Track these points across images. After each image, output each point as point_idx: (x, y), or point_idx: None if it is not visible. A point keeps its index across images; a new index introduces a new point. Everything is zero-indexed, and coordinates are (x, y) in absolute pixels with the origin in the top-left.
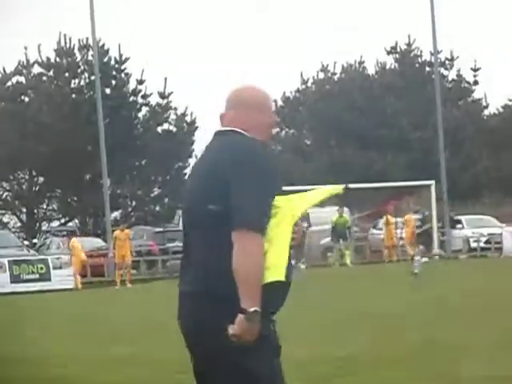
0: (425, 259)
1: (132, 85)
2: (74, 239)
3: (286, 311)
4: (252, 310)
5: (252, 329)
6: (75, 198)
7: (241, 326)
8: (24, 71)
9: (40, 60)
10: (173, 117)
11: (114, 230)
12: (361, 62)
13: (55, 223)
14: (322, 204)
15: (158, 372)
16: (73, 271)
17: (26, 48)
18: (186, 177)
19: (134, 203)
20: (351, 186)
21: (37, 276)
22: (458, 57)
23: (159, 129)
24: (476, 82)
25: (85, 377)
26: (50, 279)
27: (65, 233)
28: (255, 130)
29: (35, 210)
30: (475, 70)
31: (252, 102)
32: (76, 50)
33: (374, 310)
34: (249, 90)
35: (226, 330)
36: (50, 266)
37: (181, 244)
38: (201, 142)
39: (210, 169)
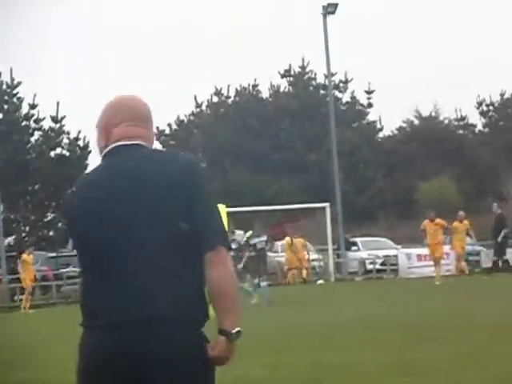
0: (320, 281)
1: (24, 109)
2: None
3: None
4: (236, 330)
5: (233, 349)
6: None
7: (224, 348)
8: None
9: None
10: (66, 141)
11: (20, 253)
12: (255, 85)
13: None
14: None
15: None
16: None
17: None
18: (87, 197)
19: (27, 228)
20: (246, 208)
21: None
22: (352, 79)
23: (52, 153)
24: (370, 105)
25: None
26: None
27: None
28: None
29: None
30: (369, 92)
31: (150, 116)
32: None
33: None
34: (142, 102)
35: (204, 355)
36: None
37: (75, 269)
38: (94, 166)
39: (163, 187)
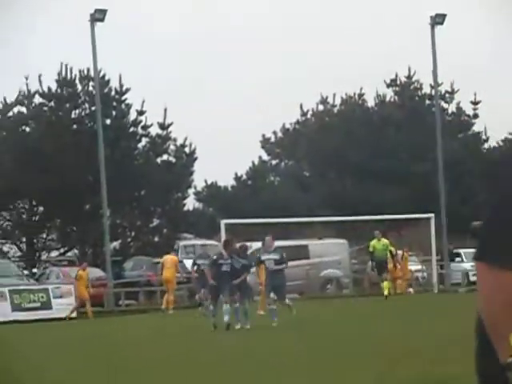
0: (411, 290)
1: (132, 115)
2: (80, 269)
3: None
4: None
5: None
6: (75, 228)
7: None
8: (25, 101)
9: (41, 90)
10: (172, 148)
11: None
12: (360, 94)
13: (54, 253)
14: (320, 236)
15: None
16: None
17: (26, 78)
18: None
19: (133, 233)
20: (348, 218)
21: (38, 305)
22: (458, 90)
23: (159, 160)
24: (476, 116)
25: None
26: (51, 308)
27: (65, 262)
28: None
29: (35, 240)
30: (475, 103)
31: None
32: (77, 81)
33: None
34: None
35: None
36: (51, 294)
37: (178, 275)
38: (200, 172)
39: None
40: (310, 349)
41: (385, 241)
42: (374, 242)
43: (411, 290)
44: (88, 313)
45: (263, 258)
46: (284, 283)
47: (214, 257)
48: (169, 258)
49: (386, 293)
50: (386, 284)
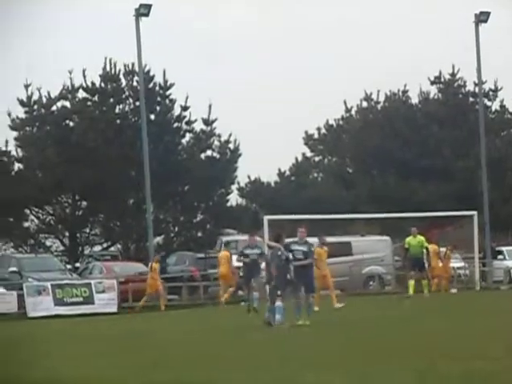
0: (454, 290)
1: (176, 111)
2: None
3: None
4: None
5: None
6: (118, 223)
7: None
8: (69, 96)
9: (85, 85)
10: (216, 143)
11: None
12: (404, 91)
13: (97, 248)
14: (363, 233)
15: None
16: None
17: (70, 72)
18: None
19: (176, 228)
20: (392, 215)
21: (80, 299)
22: (501, 88)
23: (202, 155)
24: None
25: None
26: (93, 302)
27: (108, 257)
28: None
29: (78, 234)
30: None
31: None
32: (121, 76)
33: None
34: None
35: None
36: (93, 289)
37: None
38: (243, 168)
39: None
40: (352, 346)
41: (420, 237)
42: (409, 239)
43: (454, 290)
44: (160, 305)
45: (292, 248)
46: (310, 277)
47: (273, 250)
48: (224, 254)
49: (425, 291)
50: (424, 282)
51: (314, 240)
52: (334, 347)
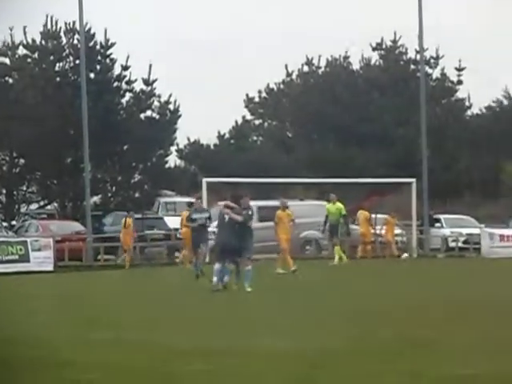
0: (405, 255)
1: (117, 70)
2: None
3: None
4: None
5: None
6: (55, 182)
7: None
8: (9, 52)
9: (25, 42)
10: (156, 104)
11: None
12: (346, 57)
13: (34, 206)
14: (301, 198)
15: (145, 354)
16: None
17: (11, 29)
18: None
19: (114, 188)
20: (331, 180)
21: (16, 257)
22: (443, 55)
23: (142, 115)
24: (460, 82)
25: (65, 358)
26: (28, 261)
27: (44, 216)
28: None
29: (14, 192)
30: (459, 69)
31: None
32: (62, 33)
33: (359, 307)
34: None
35: None
36: (29, 247)
37: (159, 231)
38: (183, 129)
39: None
40: (291, 310)
41: (339, 205)
42: (328, 206)
43: (406, 254)
44: (126, 262)
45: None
46: (247, 241)
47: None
48: (184, 215)
49: (336, 258)
50: (336, 249)
51: (256, 204)
52: (271, 311)
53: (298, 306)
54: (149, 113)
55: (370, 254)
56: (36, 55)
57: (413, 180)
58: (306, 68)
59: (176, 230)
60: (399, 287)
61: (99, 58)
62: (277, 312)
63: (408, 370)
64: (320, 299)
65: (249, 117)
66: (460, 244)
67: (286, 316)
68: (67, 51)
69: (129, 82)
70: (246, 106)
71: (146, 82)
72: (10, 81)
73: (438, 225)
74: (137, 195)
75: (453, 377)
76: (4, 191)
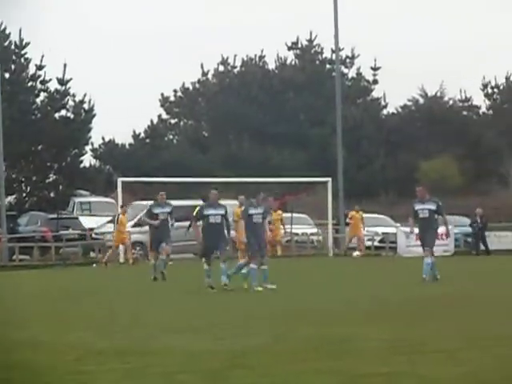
0: (357, 253)
1: (31, 70)
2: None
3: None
4: None
5: None
6: None
7: None
8: None
9: None
10: (71, 103)
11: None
12: (261, 56)
13: None
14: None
15: (61, 354)
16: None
17: None
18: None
19: (28, 188)
20: (248, 179)
21: None
22: (358, 55)
23: (57, 115)
24: (375, 81)
25: None
26: None
27: None
28: None
29: None
30: (375, 68)
31: None
32: None
33: (274, 307)
34: None
35: None
36: None
37: (74, 231)
38: (98, 129)
39: None
40: (213, 309)
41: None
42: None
43: (357, 253)
44: (128, 259)
45: (156, 210)
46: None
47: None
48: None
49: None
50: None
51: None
52: (207, 311)
53: (221, 306)
54: (63, 112)
55: (280, 253)
56: None
57: (328, 179)
58: (221, 67)
59: (91, 229)
60: (320, 287)
61: (14, 57)
62: (198, 311)
63: (327, 368)
64: (242, 299)
65: (164, 116)
66: (376, 243)
67: (208, 315)
68: None
69: (43, 82)
70: (162, 105)
71: (61, 82)
72: None
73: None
74: (52, 195)
75: (371, 374)
76: None
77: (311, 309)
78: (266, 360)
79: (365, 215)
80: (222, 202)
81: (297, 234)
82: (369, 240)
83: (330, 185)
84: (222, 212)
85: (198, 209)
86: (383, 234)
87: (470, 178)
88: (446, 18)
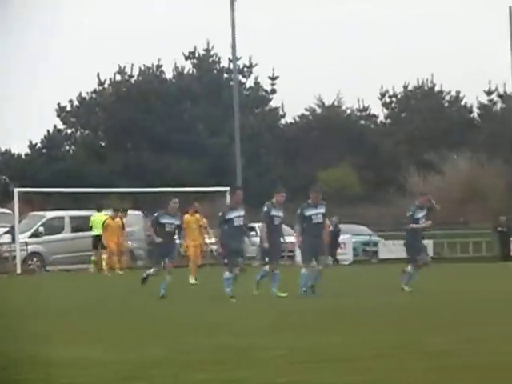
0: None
1: None
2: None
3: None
4: None
5: None
6: None
7: None
8: None
9: None
10: None
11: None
12: (159, 66)
13: None
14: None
15: None
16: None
17: None
18: None
19: None
20: (145, 190)
21: None
22: (256, 64)
23: None
24: (274, 91)
25: None
26: None
27: None
28: None
29: None
30: (273, 78)
31: None
32: None
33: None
34: None
35: None
36: None
37: None
38: None
39: None
40: (115, 320)
41: (102, 217)
42: (93, 217)
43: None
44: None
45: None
46: None
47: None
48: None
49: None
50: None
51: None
52: (109, 322)
53: (126, 317)
54: None
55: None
56: None
57: (227, 189)
58: (118, 77)
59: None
60: (219, 298)
61: None
62: (100, 322)
63: (230, 378)
64: (149, 310)
65: (61, 126)
66: None
67: (113, 325)
68: None
69: None
70: (58, 115)
71: None
72: None
73: (252, 233)
74: None
75: (276, 383)
76: None
77: (212, 321)
78: (167, 371)
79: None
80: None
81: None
82: None
83: (228, 194)
84: (178, 222)
85: (155, 215)
86: (283, 243)
87: (370, 187)
88: (343, 28)
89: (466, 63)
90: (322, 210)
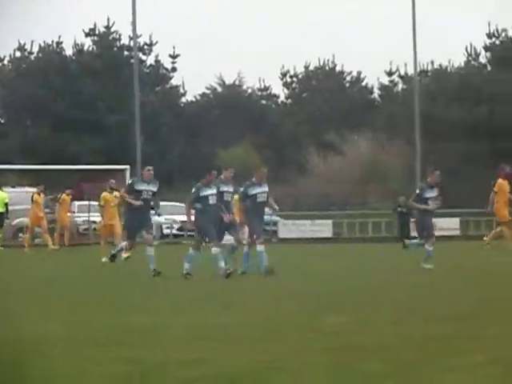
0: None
1: None
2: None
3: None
4: None
5: None
6: None
7: None
8: None
9: None
10: None
11: None
12: (59, 43)
13: None
14: (13, 185)
15: None
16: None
17: None
18: None
19: None
20: (45, 167)
21: None
22: (156, 42)
23: None
24: (174, 69)
25: None
26: None
27: None
28: None
29: None
30: (174, 56)
31: None
32: None
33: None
34: None
35: None
36: None
37: None
38: None
39: None
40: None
41: (3, 194)
42: None
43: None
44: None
45: None
46: None
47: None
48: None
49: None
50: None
51: None
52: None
53: (31, 292)
54: None
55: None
56: None
57: (126, 167)
58: (18, 53)
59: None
60: (131, 276)
61: None
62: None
63: (127, 356)
64: (51, 286)
65: None
66: (175, 231)
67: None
68: None
69: None
70: None
71: None
72: None
73: (152, 212)
74: None
75: (175, 360)
76: None
77: (115, 296)
78: (61, 347)
79: (164, 203)
80: (19, 189)
81: (95, 223)
82: (167, 228)
83: (128, 173)
84: (155, 189)
85: (129, 182)
86: (181, 222)
87: (272, 167)
88: (244, 6)
89: (367, 44)
90: (267, 189)
